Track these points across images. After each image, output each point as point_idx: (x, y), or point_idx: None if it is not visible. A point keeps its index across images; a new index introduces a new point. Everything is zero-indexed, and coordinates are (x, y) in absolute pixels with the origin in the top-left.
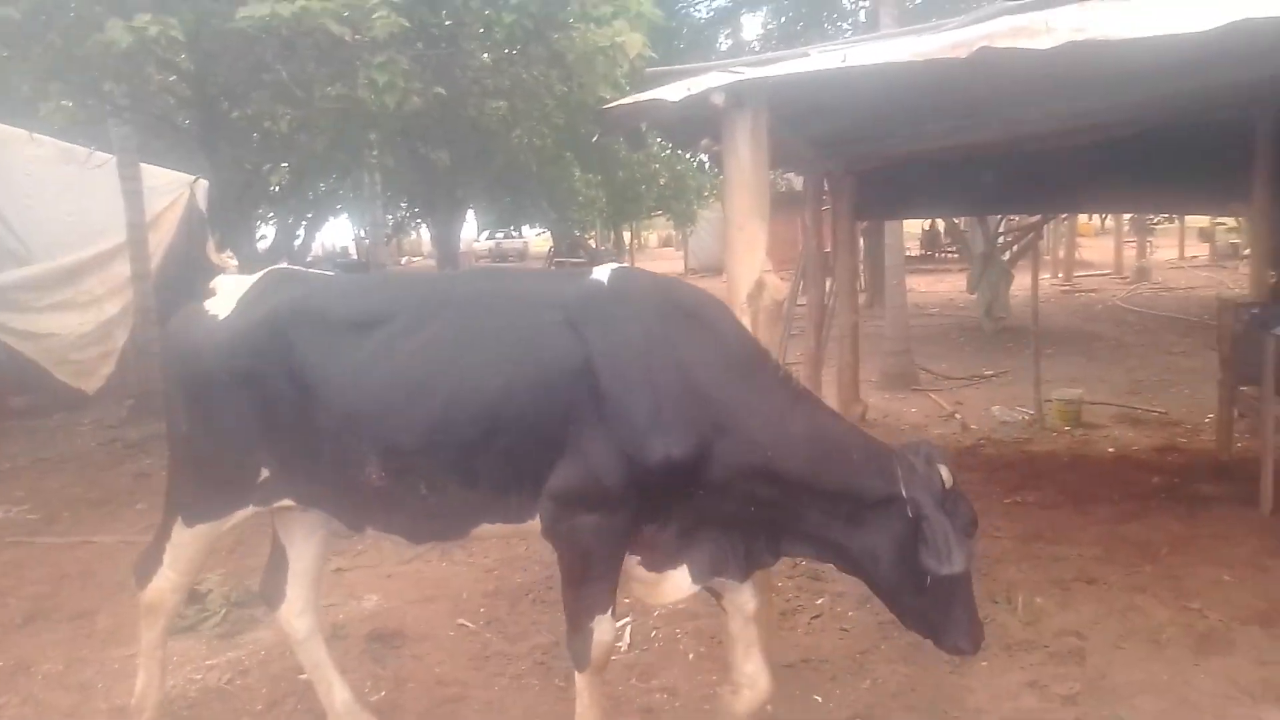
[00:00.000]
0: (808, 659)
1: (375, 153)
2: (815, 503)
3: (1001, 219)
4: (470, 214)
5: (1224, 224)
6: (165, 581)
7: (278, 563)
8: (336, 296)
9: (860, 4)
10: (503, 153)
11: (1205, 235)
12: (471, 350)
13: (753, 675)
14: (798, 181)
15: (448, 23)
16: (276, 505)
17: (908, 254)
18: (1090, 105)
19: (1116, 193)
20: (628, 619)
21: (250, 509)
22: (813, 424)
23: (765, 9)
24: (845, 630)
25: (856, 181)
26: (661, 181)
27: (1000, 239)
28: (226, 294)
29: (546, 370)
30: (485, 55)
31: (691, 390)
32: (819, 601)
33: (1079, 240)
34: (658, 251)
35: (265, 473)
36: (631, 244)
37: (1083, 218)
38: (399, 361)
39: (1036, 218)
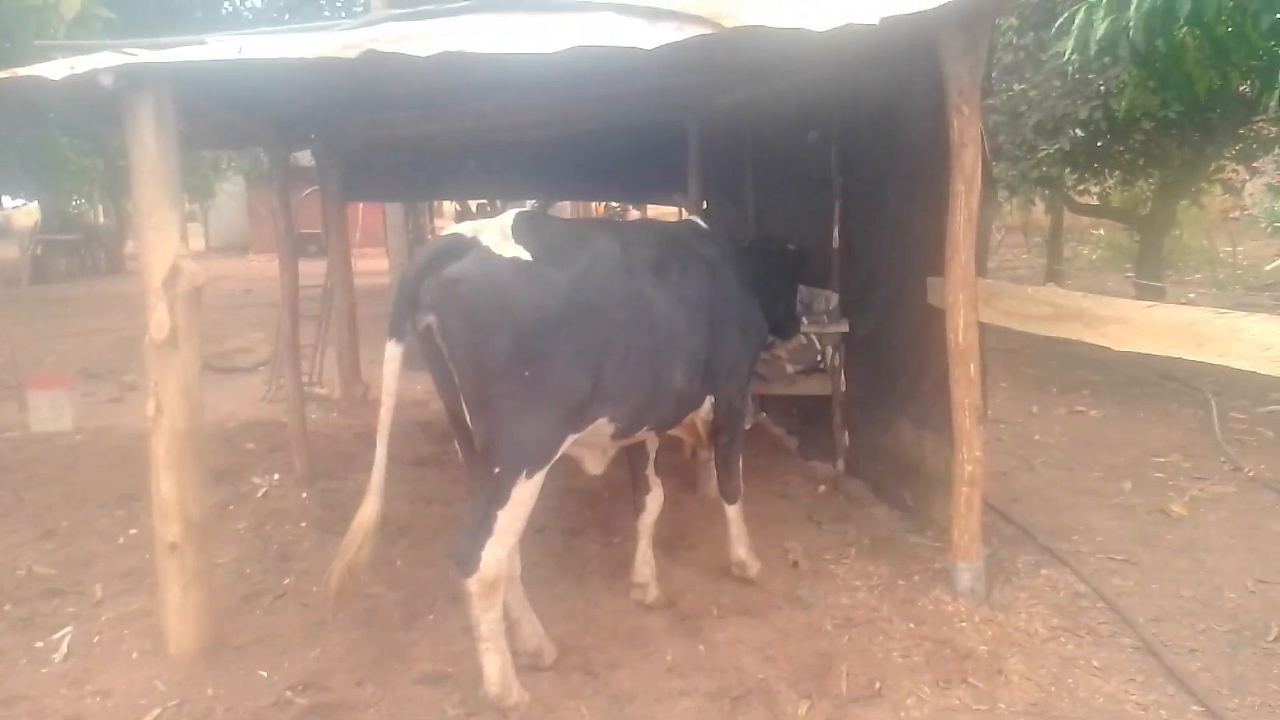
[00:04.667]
0: (261, 638)
1: None
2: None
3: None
4: None
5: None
6: (501, 550)
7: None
8: (625, 239)
9: None
10: None
11: None
12: (699, 280)
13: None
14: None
15: None
16: (587, 428)
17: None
18: (540, 102)
19: (588, 181)
20: (68, 629)
21: (570, 438)
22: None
23: None
24: (306, 605)
25: (343, 163)
26: None
27: None
28: (496, 236)
29: (721, 293)
30: None
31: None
32: (285, 582)
33: None
34: None
35: (586, 396)
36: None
37: None
38: (686, 288)
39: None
